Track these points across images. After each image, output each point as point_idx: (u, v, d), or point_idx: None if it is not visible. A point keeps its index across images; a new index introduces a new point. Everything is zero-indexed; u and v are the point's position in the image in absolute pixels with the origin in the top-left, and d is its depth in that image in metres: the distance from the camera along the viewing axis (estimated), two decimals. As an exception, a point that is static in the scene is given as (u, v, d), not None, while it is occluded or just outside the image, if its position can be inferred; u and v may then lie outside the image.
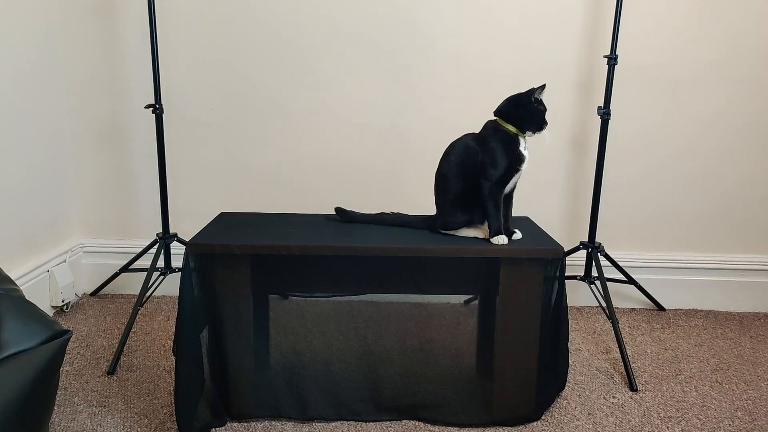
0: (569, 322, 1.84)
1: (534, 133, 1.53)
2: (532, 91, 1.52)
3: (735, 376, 1.85)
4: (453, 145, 1.58)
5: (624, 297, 2.38)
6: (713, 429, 1.58)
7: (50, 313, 2.18)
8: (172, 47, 2.25)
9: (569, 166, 2.33)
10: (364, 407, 1.60)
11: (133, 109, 2.30)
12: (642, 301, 2.36)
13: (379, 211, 1.70)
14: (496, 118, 1.55)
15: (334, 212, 1.72)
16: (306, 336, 1.96)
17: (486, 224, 1.55)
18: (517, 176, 1.54)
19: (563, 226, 2.37)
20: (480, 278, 1.54)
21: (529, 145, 1.55)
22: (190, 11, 2.24)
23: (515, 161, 1.51)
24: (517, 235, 1.56)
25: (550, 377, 1.61)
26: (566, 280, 1.62)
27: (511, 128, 1.52)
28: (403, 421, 1.58)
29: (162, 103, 2.05)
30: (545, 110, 1.54)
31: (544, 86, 1.53)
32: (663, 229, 2.37)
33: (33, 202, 2.13)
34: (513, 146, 1.51)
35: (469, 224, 1.57)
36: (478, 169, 1.52)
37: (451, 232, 1.59)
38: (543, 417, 1.60)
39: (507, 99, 1.56)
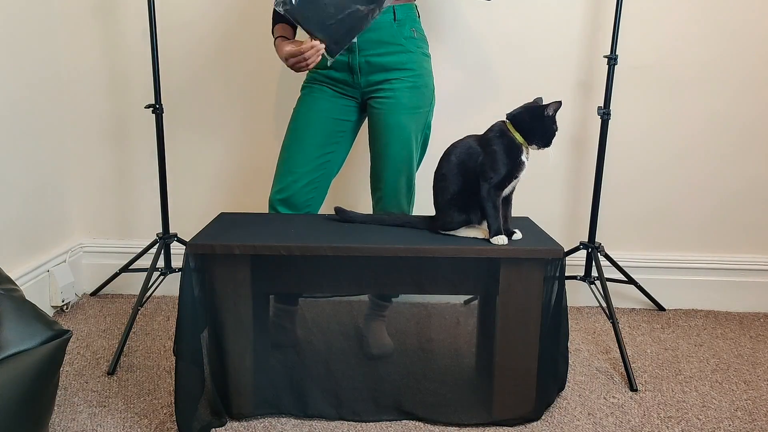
0: (569, 322, 1.84)
1: (539, 148, 1.53)
2: (546, 107, 1.50)
3: (735, 376, 1.86)
4: (455, 145, 1.58)
5: (624, 297, 2.38)
6: (713, 429, 1.58)
7: (50, 313, 2.18)
8: (172, 47, 2.26)
9: (569, 166, 2.33)
10: (364, 407, 1.60)
11: (133, 109, 2.30)
12: (642, 301, 2.36)
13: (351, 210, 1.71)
14: (506, 120, 1.55)
15: (333, 212, 1.73)
16: (306, 336, 1.96)
17: (485, 224, 1.55)
18: (515, 181, 1.54)
19: (563, 226, 2.38)
20: (480, 278, 1.54)
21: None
22: (190, 11, 2.24)
23: (515, 168, 1.51)
24: (517, 235, 1.56)
25: (550, 377, 1.61)
26: (566, 280, 1.62)
27: (518, 137, 1.51)
28: (403, 421, 1.58)
29: (162, 103, 2.05)
30: (557, 129, 1.53)
31: (560, 104, 1.51)
32: (663, 229, 2.37)
33: (33, 202, 2.13)
34: (515, 154, 1.51)
35: (467, 224, 1.57)
36: (478, 170, 1.52)
37: (451, 233, 1.59)
38: (543, 417, 1.60)
39: (523, 106, 1.54)
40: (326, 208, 1.94)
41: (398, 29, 1.75)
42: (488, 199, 1.51)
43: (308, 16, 1.62)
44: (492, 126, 1.55)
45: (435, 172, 1.60)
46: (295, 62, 1.67)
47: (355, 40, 1.68)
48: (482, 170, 1.51)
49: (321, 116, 1.80)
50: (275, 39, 1.78)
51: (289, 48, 1.68)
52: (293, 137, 1.83)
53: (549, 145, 1.53)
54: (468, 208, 1.55)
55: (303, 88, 1.87)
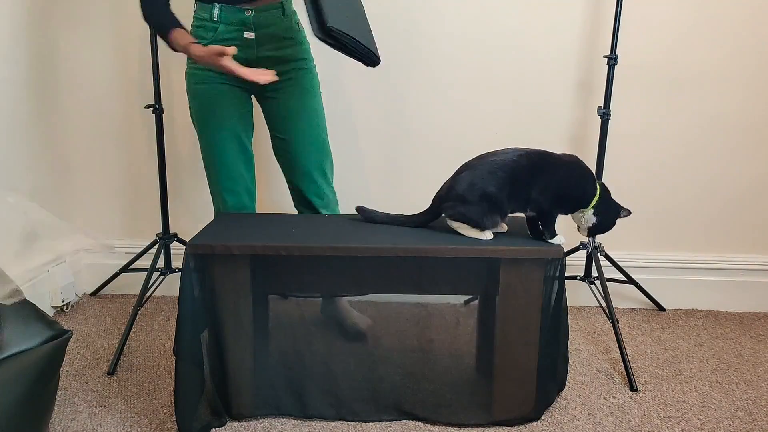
0: (569, 322, 1.84)
1: (585, 232, 1.61)
2: (622, 208, 1.60)
3: (735, 376, 1.86)
4: (549, 156, 1.57)
5: (624, 297, 2.38)
6: (713, 429, 1.58)
7: (50, 313, 2.18)
8: (172, 47, 2.25)
9: (569, 166, 2.33)
10: (364, 407, 1.60)
11: (133, 109, 2.30)
12: (642, 301, 2.36)
13: (373, 209, 1.70)
14: (602, 183, 1.60)
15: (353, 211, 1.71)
16: (306, 336, 1.96)
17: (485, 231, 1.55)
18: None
19: (563, 226, 2.36)
20: (480, 278, 1.54)
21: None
22: (189, 11, 2.24)
23: (559, 210, 1.57)
24: (559, 238, 1.57)
25: (550, 377, 1.61)
26: (566, 280, 1.62)
27: (595, 200, 1.56)
28: (403, 421, 1.58)
29: (162, 103, 2.05)
30: (608, 230, 1.61)
31: (629, 213, 1.61)
32: (663, 229, 2.37)
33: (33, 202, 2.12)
34: (579, 206, 1.57)
35: (474, 224, 1.55)
36: (544, 190, 1.53)
37: (455, 224, 1.56)
38: (543, 417, 1.61)
39: (614, 201, 1.61)
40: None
41: (288, 23, 1.80)
42: (552, 220, 1.57)
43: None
44: (592, 176, 1.59)
45: (488, 160, 1.54)
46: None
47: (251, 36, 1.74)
48: (549, 195, 1.54)
49: (233, 120, 1.82)
50: (189, 44, 1.67)
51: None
52: (216, 153, 1.83)
53: (592, 235, 1.64)
54: (489, 210, 1.53)
55: (195, 84, 1.82)
